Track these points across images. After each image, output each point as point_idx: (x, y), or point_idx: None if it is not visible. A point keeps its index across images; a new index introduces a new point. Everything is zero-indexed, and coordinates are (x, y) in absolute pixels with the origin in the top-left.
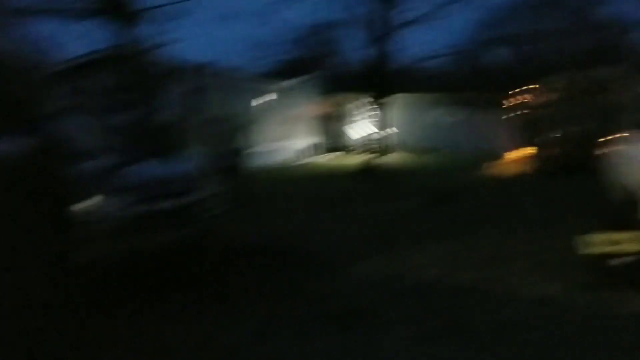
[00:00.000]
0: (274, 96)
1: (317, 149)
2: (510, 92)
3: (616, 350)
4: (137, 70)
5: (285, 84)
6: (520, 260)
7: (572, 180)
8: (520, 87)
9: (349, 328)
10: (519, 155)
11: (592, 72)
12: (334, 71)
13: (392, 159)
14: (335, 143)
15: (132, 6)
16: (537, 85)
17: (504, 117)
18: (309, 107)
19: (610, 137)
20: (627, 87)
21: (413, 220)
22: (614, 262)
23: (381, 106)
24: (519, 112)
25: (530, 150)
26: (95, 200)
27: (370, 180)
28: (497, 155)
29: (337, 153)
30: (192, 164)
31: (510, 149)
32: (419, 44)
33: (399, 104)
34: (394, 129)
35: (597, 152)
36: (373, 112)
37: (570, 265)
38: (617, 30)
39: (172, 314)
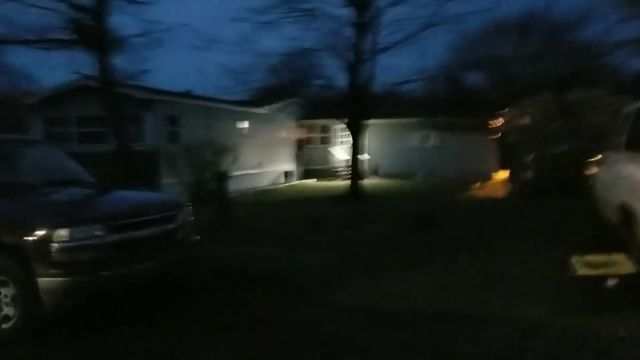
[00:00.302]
0: (252, 122)
1: (295, 173)
2: (487, 116)
3: None
4: (113, 99)
5: (263, 110)
6: (506, 283)
7: (551, 201)
8: (497, 110)
9: (330, 358)
10: (497, 178)
11: (567, 94)
12: (311, 97)
13: (371, 183)
14: (312, 167)
15: (106, 36)
16: (513, 109)
17: (481, 140)
18: (286, 133)
19: (587, 159)
20: (602, 109)
21: (394, 244)
22: (603, 283)
23: (358, 132)
24: (496, 136)
25: (508, 173)
26: (69, 230)
27: (350, 205)
28: (476, 179)
29: (315, 178)
30: (170, 190)
31: (488, 172)
32: (394, 69)
33: (375, 130)
34: (367, 155)
35: (575, 173)
36: (350, 138)
37: (557, 287)
38: (591, 54)
39: (147, 343)
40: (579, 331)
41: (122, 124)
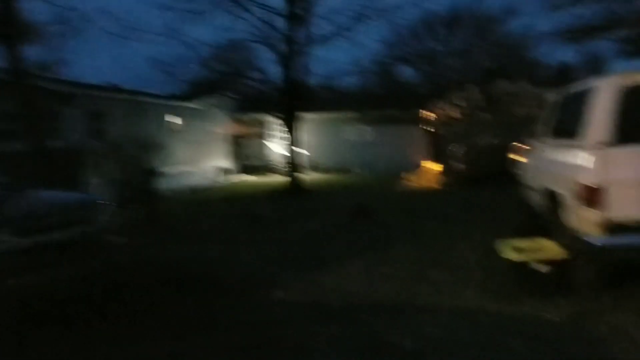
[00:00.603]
0: (184, 117)
1: (232, 170)
2: (420, 109)
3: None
4: (27, 93)
5: (197, 104)
6: (441, 271)
7: (482, 190)
8: (429, 104)
9: (268, 358)
10: (430, 169)
11: (494, 87)
12: (247, 91)
13: (307, 178)
14: (249, 163)
15: (16, 23)
16: (444, 102)
17: (415, 133)
18: (221, 128)
19: (513, 149)
20: (527, 100)
21: (332, 238)
22: (533, 268)
23: (295, 126)
24: (428, 128)
25: (440, 164)
26: None
27: (288, 201)
28: (411, 170)
29: (254, 174)
30: (94, 191)
31: (421, 164)
32: (330, 62)
33: (313, 124)
34: (304, 150)
35: (502, 163)
36: (285, 132)
37: (490, 274)
38: (515, 47)
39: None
40: (512, 317)
41: (38, 120)
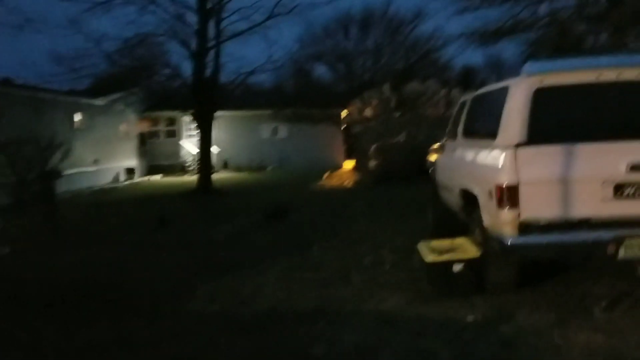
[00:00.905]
0: (88, 115)
1: (138, 170)
2: (333, 108)
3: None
4: None
5: (100, 101)
6: (359, 274)
7: (396, 189)
8: (342, 102)
9: None
10: (345, 168)
11: (404, 87)
12: (155, 88)
13: (221, 177)
14: (158, 163)
15: None
16: (357, 101)
17: (329, 132)
18: (129, 126)
19: (427, 148)
20: (436, 100)
21: (246, 241)
22: (451, 269)
23: (206, 124)
24: (342, 127)
25: (356, 163)
26: None
27: (199, 201)
28: (325, 169)
29: (162, 174)
30: None
31: (336, 163)
32: (243, 59)
33: (225, 122)
34: (218, 148)
35: (416, 161)
36: (197, 130)
37: (408, 275)
38: (429, 48)
39: None
40: (431, 319)
41: None
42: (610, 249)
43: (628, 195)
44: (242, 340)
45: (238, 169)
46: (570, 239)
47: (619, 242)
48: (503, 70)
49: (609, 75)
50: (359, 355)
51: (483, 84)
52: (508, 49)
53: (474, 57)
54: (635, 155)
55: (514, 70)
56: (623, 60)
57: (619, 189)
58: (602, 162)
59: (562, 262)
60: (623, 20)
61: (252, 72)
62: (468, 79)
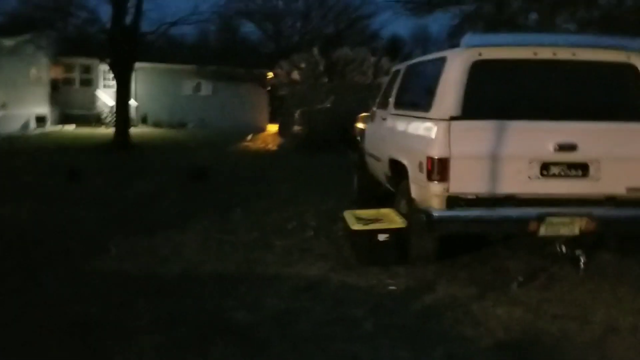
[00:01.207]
0: None
1: (50, 118)
2: (260, 68)
3: (389, 331)
4: None
5: (8, 40)
6: (282, 239)
7: (321, 155)
8: (270, 63)
9: (81, 342)
10: (269, 131)
11: (334, 53)
12: (71, 31)
13: (139, 132)
14: (73, 112)
15: None
16: (284, 63)
17: (255, 93)
18: (41, 70)
19: (354, 115)
20: (366, 68)
21: (164, 200)
22: (375, 238)
23: (124, 75)
24: (268, 89)
25: (279, 127)
26: None
27: (115, 156)
28: (248, 131)
29: (75, 124)
30: None
31: (260, 125)
32: (165, 8)
33: (145, 74)
34: (135, 102)
35: (343, 128)
36: (115, 81)
37: (332, 243)
38: (360, 15)
39: None
40: (354, 287)
41: None
42: (533, 226)
43: (553, 174)
44: (157, 303)
45: (157, 124)
46: (495, 214)
47: (541, 219)
48: (429, 43)
49: (545, 53)
50: (280, 321)
51: (410, 55)
52: (436, 22)
53: (401, 28)
54: (563, 135)
55: (440, 44)
56: (560, 39)
57: (545, 168)
58: (531, 141)
59: (482, 237)
60: (557, 1)
61: (175, 23)
62: (396, 49)
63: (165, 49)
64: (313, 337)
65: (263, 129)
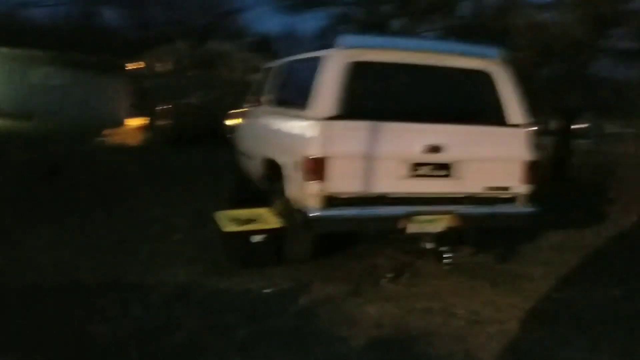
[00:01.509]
0: None
1: None
2: (123, 58)
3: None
4: None
5: None
6: (148, 242)
7: (190, 151)
8: (134, 53)
9: None
10: (133, 124)
11: (203, 45)
12: None
13: None
14: None
15: None
16: (150, 53)
17: (117, 84)
18: None
19: (226, 110)
20: (236, 63)
21: (12, 200)
22: (250, 239)
23: None
24: (134, 79)
25: (145, 120)
26: None
27: None
28: (110, 124)
29: None
30: None
31: (124, 118)
32: None
33: None
34: None
35: (212, 124)
36: None
37: (204, 245)
38: (230, 9)
39: None
40: (227, 292)
41: None
42: (401, 224)
43: (421, 174)
44: (3, 317)
45: (1, 115)
46: (368, 213)
47: (408, 217)
48: (297, 43)
49: (416, 58)
50: (146, 335)
51: (279, 54)
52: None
53: (271, 26)
54: (431, 137)
55: (308, 44)
56: (430, 45)
57: (414, 168)
58: (402, 142)
59: (355, 234)
60: (423, 8)
61: (24, 4)
62: (266, 46)
63: (12, 32)
64: (184, 351)
65: (125, 123)
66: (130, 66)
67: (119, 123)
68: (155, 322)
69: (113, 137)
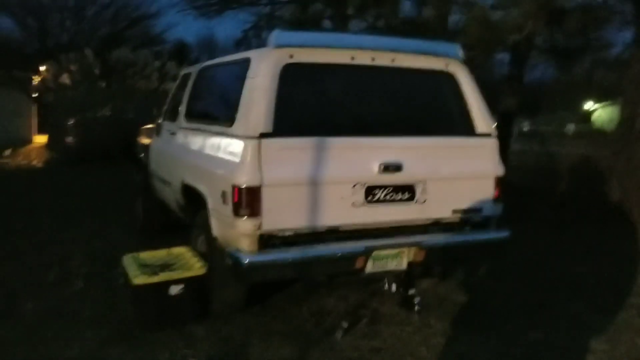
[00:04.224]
0: None
1: None
2: (22, 70)
3: None
4: None
5: None
6: (33, 297)
7: (97, 173)
8: (34, 65)
9: None
10: (35, 143)
11: (111, 55)
12: None
13: None
14: None
15: None
16: (52, 65)
17: (15, 98)
18: None
19: (136, 126)
20: (149, 73)
21: None
22: (169, 291)
23: None
24: (35, 94)
25: (49, 138)
26: None
27: None
28: (9, 144)
29: None
30: None
31: (23, 136)
32: None
33: None
34: None
35: (121, 141)
36: None
37: (107, 299)
38: (142, 14)
39: None
40: None
41: None
42: (359, 263)
43: (379, 199)
44: None
45: None
46: (317, 253)
47: (367, 254)
48: (216, 50)
49: (363, 58)
50: None
51: (197, 61)
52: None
53: (187, 33)
54: (388, 154)
55: (228, 51)
56: (379, 41)
57: (370, 193)
58: (353, 162)
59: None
60: (359, 5)
61: None
62: (182, 54)
63: None
64: None
65: (29, 141)
66: (34, 79)
67: (23, 141)
68: None
69: (13, 157)
